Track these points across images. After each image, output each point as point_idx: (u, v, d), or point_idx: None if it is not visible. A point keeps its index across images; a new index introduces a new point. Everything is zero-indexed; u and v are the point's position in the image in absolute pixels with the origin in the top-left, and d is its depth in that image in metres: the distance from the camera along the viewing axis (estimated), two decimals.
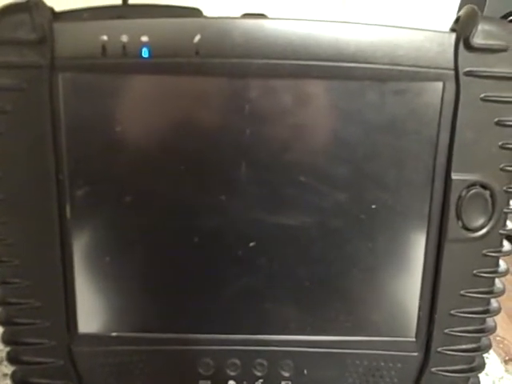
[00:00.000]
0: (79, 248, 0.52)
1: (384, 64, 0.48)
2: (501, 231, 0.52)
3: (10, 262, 0.51)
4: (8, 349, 0.55)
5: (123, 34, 0.46)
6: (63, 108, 0.48)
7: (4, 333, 0.55)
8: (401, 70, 0.48)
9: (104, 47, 0.47)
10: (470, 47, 0.47)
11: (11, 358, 0.55)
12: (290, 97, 0.49)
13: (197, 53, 0.47)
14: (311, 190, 0.51)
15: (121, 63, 0.47)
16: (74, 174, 0.50)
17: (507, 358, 0.72)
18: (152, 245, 0.53)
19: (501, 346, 0.77)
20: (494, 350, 0.73)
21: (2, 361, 0.65)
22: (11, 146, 0.49)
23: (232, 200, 0.51)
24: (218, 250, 0.53)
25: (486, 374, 0.70)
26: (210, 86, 0.48)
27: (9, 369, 0.58)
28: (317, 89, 0.49)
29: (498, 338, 0.77)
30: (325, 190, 0.51)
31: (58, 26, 0.47)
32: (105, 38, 0.46)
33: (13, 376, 0.56)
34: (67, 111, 0.48)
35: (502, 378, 0.71)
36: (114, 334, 0.55)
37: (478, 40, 0.47)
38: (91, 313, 0.54)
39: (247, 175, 0.50)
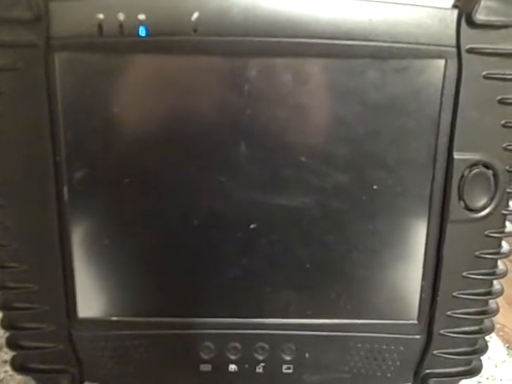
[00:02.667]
0: (77, 231, 0.52)
1: (384, 41, 0.47)
2: (503, 211, 0.52)
3: (7, 245, 0.51)
4: (7, 334, 0.55)
5: (120, 12, 0.46)
6: (59, 88, 0.48)
7: (3, 318, 0.55)
8: (401, 48, 0.47)
9: (100, 26, 0.46)
10: (472, 24, 0.47)
11: (11, 344, 0.55)
12: (289, 75, 0.48)
13: (195, 31, 0.46)
14: (312, 171, 0.50)
15: (118, 42, 0.47)
16: (72, 155, 0.49)
17: (507, 345, 0.72)
18: (151, 227, 0.53)
19: (501, 333, 0.77)
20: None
21: (1, 347, 0.65)
22: (7, 128, 0.48)
23: (232, 181, 0.50)
24: (217, 232, 0.52)
25: (489, 358, 0.69)
26: (208, 64, 0.48)
27: (8, 355, 0.58)
28: (316, 67, 0.48)
29: (497, 326, 0.76)
30: (325, 170, 0.50)
31: (53, 5, 0.46)
32: (101, 16, 0.46)
33: (12, 361, 0.56)
34: (64, 91, 0.48)
35: (505, 361, 0.71)
36: (113, 318, 0.54)
37: (480, 16, 0.46)
38: (91, 297, 0.54)
39: (247, 156, 0.50)
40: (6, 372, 0.64)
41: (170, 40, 0.47)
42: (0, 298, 0.53)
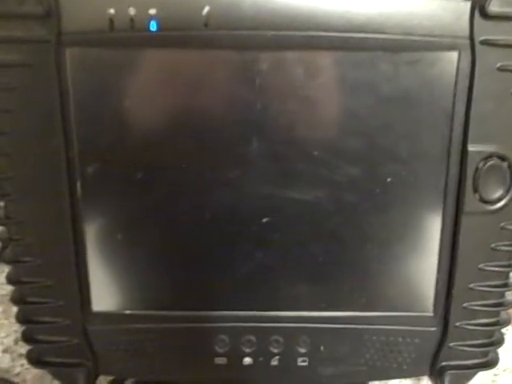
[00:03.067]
0: (91, 226, 0.52)
1: (396, 34, 0.47)
2: None
3: (21, 240, 0.51)
4: (23, 328, 0.55)
5: (131, 6, 0.46)
6: (71, 83, 0.48)
7: (19, 312, 0.55)
8: (414, 40, 0.47)
9: (111, 21, 0.46)
10: (485, 15, 0.46)
11: (26, 337, 0.55)
12: (300, 69, 0.48)
13: (205, 25, 0.46)
14: (324, 165, 0.50)
15: (129, 37, 0.47)
16: (84, 150, 0.50)
17: None
18: (164, 222, 0.53)
19: None
20: None
21: (17, 341, 0.66)
22: (20, 123, 0.48)
23: (244, 175, 0.50)
24: (230, 226, 0.52)
25: (505, 350, 0.69)
26: (219, 58, 0.48)
27: (24, 349, 0.58)
28: (328, 60, 0.48)
29: None
30: (338, 164, 0.50)
31: (64, 0, 0.46)
32: (112, 11, 0.46)
33: (28, 355, 0.57)
34: (75, 87, 0.48)
35: None
36: (127, 311, 0.55)
37: (493, 7, 0.46)
38: (105, 291, 0.54)
39: (259, 150, 0.49)
40: (22, 365, 0.64)
41: (180, 35, 0.47)
42: (15, 293, 0.54)
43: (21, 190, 0.49)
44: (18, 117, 0.48)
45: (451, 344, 0.56)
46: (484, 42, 0.47)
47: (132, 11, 0.46)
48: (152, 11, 0.46)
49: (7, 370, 0.64)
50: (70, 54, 0.47)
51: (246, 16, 0.46)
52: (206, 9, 0.46)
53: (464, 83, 0.48)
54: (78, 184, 0.50)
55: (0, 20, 0.46)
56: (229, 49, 0.47)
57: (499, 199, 0.51)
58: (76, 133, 0.49)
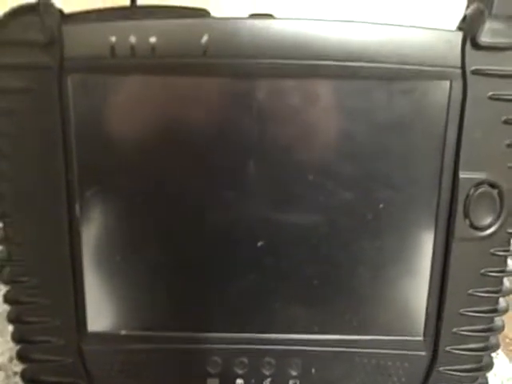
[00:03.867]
0: (88, 247, 0.52)
1: (391, 63, 0.48)
2: (509, 230, 0.52)
3: (19, 260, 0.52)
4: (18, 347, 0.56)
5: (131, 34, 0.47)
6: (72, 109, 0.48)
7: (14, 331, 0.55)
8: (408, 69, 0.48)
9: (113, 48, 0.47)
10: (477, 46, 0.47)
11: (21, 356, 0.55)
12: (297, 96, 0.49)
13: (204, 53, 0.47)
14: (319, 189, 0.51)
15: (129, 64, 0.47)
16: (84, 174, 0.50)
17: None
18: (160, 244, 0.53)
19: (510, 348, 0.77)
20: (504, 353, 0.73)
21: (12, 359, 0.66)
22: (21, 147, 0.49)
23: (240, 199, 0.51)
24: (226, 248, 0.53)
25: (495, 375, 0.70)
26: (217, 86, 0.49)
27: (19, 367, 0.58)
28: (324, 88, 0.49)
29: (507, 341, 0.76)
30: (332, 188, 0.51)
31: (66, 28, 0.47)
32: (113, 39, 0.47)
33: (23, 374, 0.57)
34: (76, 112, 0.49)
35: (511, 378, 0.71)
36: (123, 332, 0.55)
37: (485, 38, 0.47)
38: (100, 311, 0.54)
39: (255, 174, 0.50)
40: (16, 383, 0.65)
41: (180, 62, 0.47)
42: (11, 312, 0.54)
43: (20, 211, 0.50)
44: (19, 141, 0.49)
45: (441, 368, 0.56)
46: (475, 72, 0.48)
47: (133, 39, 0.47)
48: (152, 39, 0.46)
49: None
50: (71, 80, 0.48)
51: (244, 44, 0.47)
52: (205, 37, 0.46)
53: (456, 111, 0.49)
54: (77, 206, 0.51)
55: (4, 47, 0.47)
56: (227, 76, 0.48)
57: (489, 226, 0.52)
58: (76, 156, 0.49)
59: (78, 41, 0.47)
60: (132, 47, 0.47)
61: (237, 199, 0.51)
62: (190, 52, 0.47)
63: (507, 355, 0.74)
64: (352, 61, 0.48)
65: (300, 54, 0.47)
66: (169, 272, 0.54)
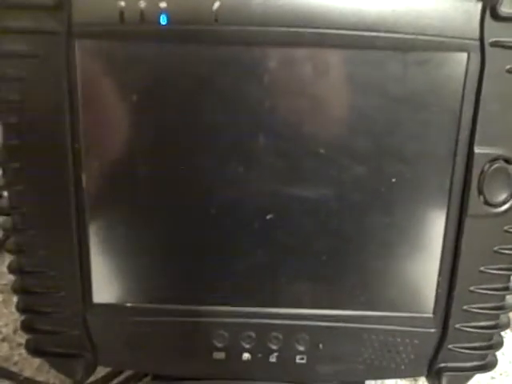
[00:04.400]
0: (95, 217, 0.52)
1: (407, 33, 0.46)
2: None
3: (24, 230, 0.51)
4: (22, 317, 0.55)
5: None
6: (80, 75, 0.48)
7: (19, 301, 0.55)
8: (424, 40, 0.47)
9: (122, 13, 0.46)
10: (496, 16, 0.46)
11: (26, 327, 0.55)
12: (309, 66, 0.48)
13: (216, 20, 0.46)
14: (330, 163, 0.50)
15: (138, 30, 0.47)
16: (90, 142, 0.50)
17: None
18: (168, 216, 0.53)
19: None
20: None
21: (16, 330, 0.66)
22: (27, 114, 0.48)
23: (250, 172, 0.50)
24: (234, 222, 0.52)
25: (503, 354, 0.69)
26: (228, 54, 0.48)
27: (23, 338, 0.58)
28: (336, 58, 0.48)
29: None
30: (344, 162, 0.50)
31: None
32: (122, 3, 0.46)
33: (27, 344, 0.57)
34: (84, 79, 0.48)
35: None
36: (128, 304, 0.55)
37: (505, 9, 0.46)
38: (106, 283, 0.54)
39: (265, 146, 0.49)
40: (20, 355, 0.64)
41: (190, 29, 0.46)
42: (16, 282, 0.54)
43: (25, 180, 0.49)
44: (26, 107, 0.48)
45: (450, 346, 0.56)
46: (494, 44, 0.47)
47: (142, 4, 0.46)
48: (162, 4, 0.45)
49: (6, 359, 0.65)
50: (79, 46, 0.47)
51: (256, 12, 0.46)
52: (217, 4, 0.45)
53: (472, 85, 0.48)
54: (84, 176, 0.50)
55: (10, 11, 0.46)
56: (238, 44, 0.47)
57: (504, 202, 0.51)
58: (82, 124, 0.49)
59: (86, 5, 0.46)
60: (141, 13, 0.46)
61: (246, 172, 0.50)
62: (201, 19, 0.46)
63: None
64: (367, 30, 0.46)
65: (313, 22, 0.46)
66: (176, 245, 0.54)
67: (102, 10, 0.46)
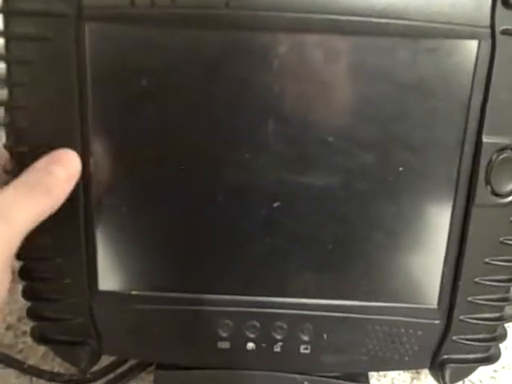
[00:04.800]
0: (100, 205, 0.52)
1: (417, 20, 0.46)
2: None
3: None
4: (28, 305, 0.55)
5: None
6: (89, 59, 0.48)
7: (25, 288, 0.55)
8: (434, 27, 0.47)
9: None
10: (508, 4, 0.46)
11: (31, 314, 0.55)
12: (319, 53, 0.48)
13: (227, 5, 0.46)
14: (337, 150, 0.50)
15: (149, 14, 0.46)
16: (99, 126, 0.49)
17: None
18: (174, 203, 0.53)
19: None
20: None
21: (20, 319, 0.65)
22: (36, 97, 0.48)
23: (257, 158, 0.50)
24: (241, 209, 0.52)
25: (506, 347, 0.69)
26: (238, 39, 0.47)
27: (27, 326, 0.58)
28: (346, 45, 0.48)
29: None
30: (352, 150, 0.50)
31: None
32: None
33: (32, 332, 0.57)
34: (93, 62, 0.48)
35: None
36: (134, 292, 0.55)
37: None
38: (112, 271, 0.54)
39: (273, 133, 0.49)
40: (24, 343, 0.64)
41: (201, 13, 0.46)
42: (23, 269, 0.54)
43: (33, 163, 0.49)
44: (35, 90, 0.48)
45: (454, 337, 0.56)
46: (505, 32, 0.47)
47: None
48: None
49: (10, 347, 0.64)
50: (89, 29, 0.47)
51: None
52: None
53: (482, 73, 0.48)
54: (91, 160, 0.50)
55: None
56: (248, 29, 0.47)
57: (511, 192, 0.51)
58: (92, 108, 0.49)
59: None
60: None
61: (254, 158, 0.50)
62: (213, 3, 0.46)
63: None
64: (377, 17, 0.46)
65: (323, 8, 0.46)
66: (181, 233, 0.54)
67: None
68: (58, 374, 0.63)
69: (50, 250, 0.52)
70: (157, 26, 0.47)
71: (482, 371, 0.64)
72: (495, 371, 0.67)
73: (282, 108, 0.49)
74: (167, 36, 0.47)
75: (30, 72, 0.47)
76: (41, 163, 0.47)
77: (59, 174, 0.47)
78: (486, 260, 0.53)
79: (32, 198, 0.45)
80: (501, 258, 0.53)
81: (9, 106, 0.49)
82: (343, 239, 0.53)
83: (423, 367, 0.59)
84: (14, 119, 0.49)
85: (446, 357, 0.57)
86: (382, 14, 0.46)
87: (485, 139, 0.49)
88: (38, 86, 0.48)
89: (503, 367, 0.67)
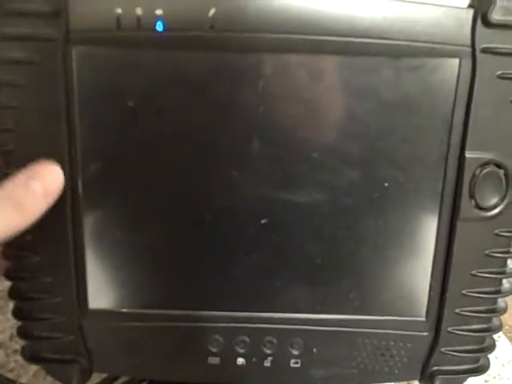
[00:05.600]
0: (90, 223, 0.52)
1: (399, 40, 0.47)
2: None
3: (20, 237, 0.51)
4: (19, 324, 0.55)
5: (138, 6, 0.46)
6: (77, 82, 0.48)
7: (15, 308, 0.55)
8: (416, 46, 0.47)
9: (118, 20, 0.46)
10: (487, 23, 0.47)
11: (21, 333, 0.55)
12: (303, 72, 0.48)
13: (211, 27, 0.46)
14: (324, 168, 0.50)
15: (135, 37, 0.47)
16: (87, 149, 0.50)
17: None
18: (163, 221, 0.53)
19: (509, 335, 0.77)
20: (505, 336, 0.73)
21: (12, 337, 0.66)
22: (24, 120, 0.48)
23: (244, 176, 0.51)
24: (229, 226, 0.52)
25: (496, 357, 0.70)
26: (224, 60, 0.48)
27: (19, 345, 0.58)
28: (330, 64, 0.48)
29: (506, 327, 0.77)
30: (337, 167, 0.50)
31: None
32: (119, 10, 0.46)
33: (23, 351, 0.56)
34: (81, 85, 0.48)
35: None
36: (124, 310, 0.55)
37: (496, 16, 0.46)
38: (102, 289, 0.54)
39: (260, 151, 0.50)
40: (16, 361, 0.64)
41: (186, 35, 0.47)
42: (13, 288, 0.54)
43: None
44: (23, 114, 0.48)
45: (443, 349, 0.56)
46: (485, 50, 0.47)
47: (139, 11, 0.46)
48: (159, 11, 0.46)
49: (2, 366, 0.64)
50: (76, 53, 0.47)
51: (251, 19, 0.46)
52: (212, 11, 0.46)
53: (464, 90, 0.49)
54: (79, 182, 0.50)
55: (7, 17, 0.46)
56: (233, 51, 0.47)
57: (495, 206, 0.51)
58: (80, 131, 0.49)
59: (83, 12, 0.46)
60: (138, 19, 0.46)
61: (241, 176, 0.51)
62: (197, 26, 0.46)
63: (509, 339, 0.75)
64: (359, 37, 0.47)
65: (307, 29, 0.47)
66: (170, 250, 0.54)
67: (99, 17, 0.47)
68: None
69: (39, 269, 0.52)
70: (143, 49, 0.47)
71: (473, 382, 0.64)
72: (486, 381, 0.67)
73: (268, 127, 0.49)
74: (153, 58, 0.48)
75: (18, 95, 0.48)
76: (19, 176, 0.46)
77: (36, 188, 0.46)
78: (473, 272, 0.53)
79: (1, 211, 0.44)
80: (487, 270, 0.53)
81: None
82: (331, 254, 0.54)
83: (413, 379, 0.59)
84: (2, 142, 0.49)
85: (435, 368, 0.57)
86: (364, 34, 0.47)
87: (468, 154, 0.50)
88: (25, 109, 0.48)
89: (494, 377, 0.68)
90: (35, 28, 0.46)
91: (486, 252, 0.53)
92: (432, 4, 0.47)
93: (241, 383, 0.58)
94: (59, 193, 0.48)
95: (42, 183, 0.46)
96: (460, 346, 0.56)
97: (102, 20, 0.47)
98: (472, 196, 0.51)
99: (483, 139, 0.50)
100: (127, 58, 0.48)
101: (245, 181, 0.51)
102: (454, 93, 0.49)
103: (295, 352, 0.56)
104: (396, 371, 0.58)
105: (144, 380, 0.62)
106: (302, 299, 0.55)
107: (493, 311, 0.56)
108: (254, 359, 0.56)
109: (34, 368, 0.64)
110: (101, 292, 0.54)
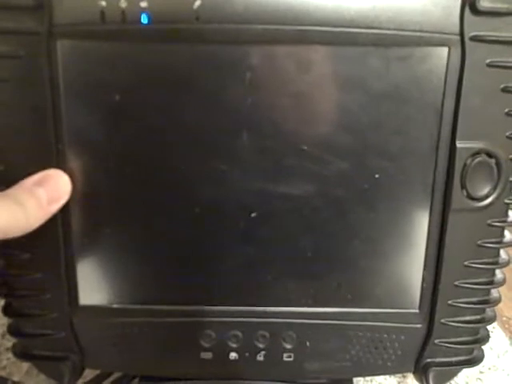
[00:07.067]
0: (79, 219, 0.52)
1: (388, 29, 0.47)
2: (506, 200, 0.52)
3: None
4: (10, 321, 0.55)
5: None
6: (62, 76, 0.47)
7: (6, 305, 0.55)
8: (405, 35, 0.47)
9: (103, 13, 0.46)
10: (476, 11, 0.46)
11: (12, 331, 0.55)
12: (291, 63, 0.48)
13: (197, 19, 0.46)
14: (313, 159, 0.50)
15: (120, 30, 0.46)
16: (74, 143, 0.49)
17: (510, 335, 0.72)
18: (153, 216, 0.53)
19: (506, 326, 0.77)
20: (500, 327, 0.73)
21: (4, 335, 0.65)
22: (9, 116, 0.48)
23: (233, 170, 0.50)
24: (219, 220, 0.52)
25: (491, 348, 0.70)
26: (210, 52, 0.47)
27: (11, 342, 0.58)
28: (318, 55, 0.48)
29: (503, 319, 0.76)
30: (327, 158, 0.50)
31: None
32: (103, 3, 0.46)
33: (14, 348, 0.56)
34: (66, 79, 0.48)
35: (507, 351, 0.71)
36: (115, 305, 0.54)
37: (484, 3, 0.46)
38: (92, 285, 0.54)
39: (248, 144, 0.49)
40: (8, 359, 0.64)
41: (171, 28, 0.46)
42: (3, 285, 0.54)
43: (9, 182, 0.49)
44: (7, 109, 0.48)
45: (436, 341, 0.56)
46: (474, 38, 0.47)
47: (123, 4, 0.45)
48: (143, 4, 0.45)
49: None
50: (60, 46, 0.47)
51: (237, 10, 0.46)
52: (198, 2, 0.45)
53: (454, 79, 0.48)
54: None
55: None
56: (220, 43, 0.47)
57: (486, 196, 0.51)
58: (66, 125, 0.49)
59: (67, 5, 0.46)
60: (123, 12, 0.46)
61: (230, 170, 0.50)
62: (183, 18, 0.46)
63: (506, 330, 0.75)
64: (347, 26, 0.47)
65: (294, 19, 0.46)
66: (160, 245, 0.54)
67: (83, 10, 0.46)
68: None
69: (29, 266, 0.52)
70: (128, 42, 0.47)
71: (468, 373, 0.65)
72: (481, 372, 0.67)
73: (255, 119, 0.49)
74: (138, 51, 0.47)
75: (3, 90, 0.47)
76: (26, 181, 0.47)
77: (40, 194, 0.46)
78: (465, 263, 0.53)
79: (4, 210, 0.44)
80: (479, 260, 0.53)
81: None
82: (322, 247, 0.53)
83: (407, 371, 0.59)
84: None
85: (429, 360, 0.57)
86: (352, 24, 0.46)
87: (458, 144, 0.50)
88: (11, 104, 0.48)
89: (489, 368, 0.68)
90: (19, 22, 0.46)
91: (479, 242, 0.53)
92: None
93: (234, 378, 0.58)
94: (65, 201, 0.49)
95: (47, 190, 0.47)
96: (454, 337, 0.56)
97: (87, 13, 0.46)
98: (463, 186, 0.51)
99: (474, 128, 0.49)
100: (112, 51, 0.47)
101: (234, 174, 0.51)
102: (443, 82, 0.48)
103: (288, 346, 0.56)
104: (390, 364, 0.57)
105: (135, 376, 0.62)
106: (293, 292, 0.55)
107: (486, 302, 0.55)
108: (246, 354, 0.56)
109: (26, 366, 0.64)
110: (91, 288, 0.54)
